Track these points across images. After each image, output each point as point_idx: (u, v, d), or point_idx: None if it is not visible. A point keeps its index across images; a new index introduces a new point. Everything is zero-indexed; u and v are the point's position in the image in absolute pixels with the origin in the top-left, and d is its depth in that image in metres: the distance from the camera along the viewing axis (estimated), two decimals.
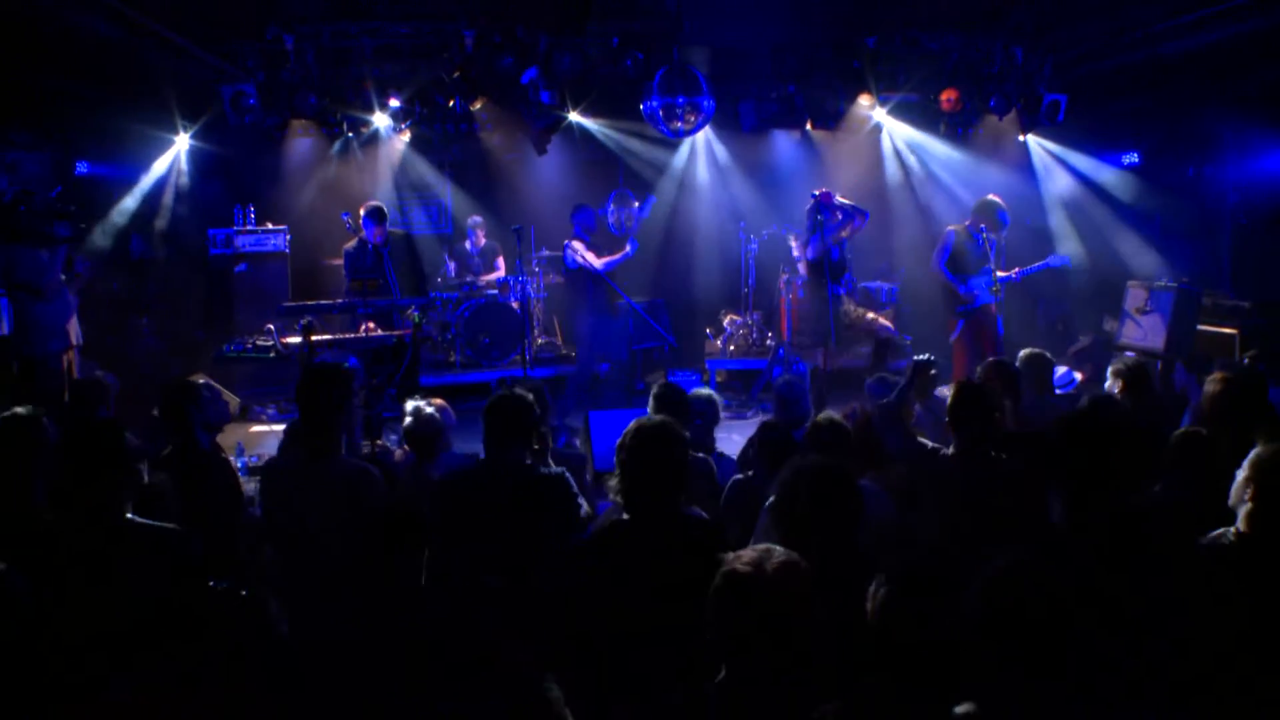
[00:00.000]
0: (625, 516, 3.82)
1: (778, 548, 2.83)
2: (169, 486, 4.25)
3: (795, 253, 10.90)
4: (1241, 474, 3.47)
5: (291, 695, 2.82)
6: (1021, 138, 12.19)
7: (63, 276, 8.27)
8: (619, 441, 3.92)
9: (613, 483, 3.97)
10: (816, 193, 9.35)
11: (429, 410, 5.40)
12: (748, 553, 2.80)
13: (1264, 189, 11.40)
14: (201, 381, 5.76)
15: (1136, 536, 3.46)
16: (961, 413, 4.73)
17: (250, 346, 8.05)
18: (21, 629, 2.92)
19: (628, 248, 10.11)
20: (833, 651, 2.81)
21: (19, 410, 4.30)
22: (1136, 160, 12.73)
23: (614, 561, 3.72)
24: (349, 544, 4.08)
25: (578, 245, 9.75)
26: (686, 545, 3.67)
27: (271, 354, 7.98)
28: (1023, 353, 6.85)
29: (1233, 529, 3.43)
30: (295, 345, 8.04)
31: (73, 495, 3.62)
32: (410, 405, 5.48)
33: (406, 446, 5.69)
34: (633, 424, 3.93)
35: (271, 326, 8.13)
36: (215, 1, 8.75)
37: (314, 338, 7.61)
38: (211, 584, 2.71)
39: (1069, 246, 12.44)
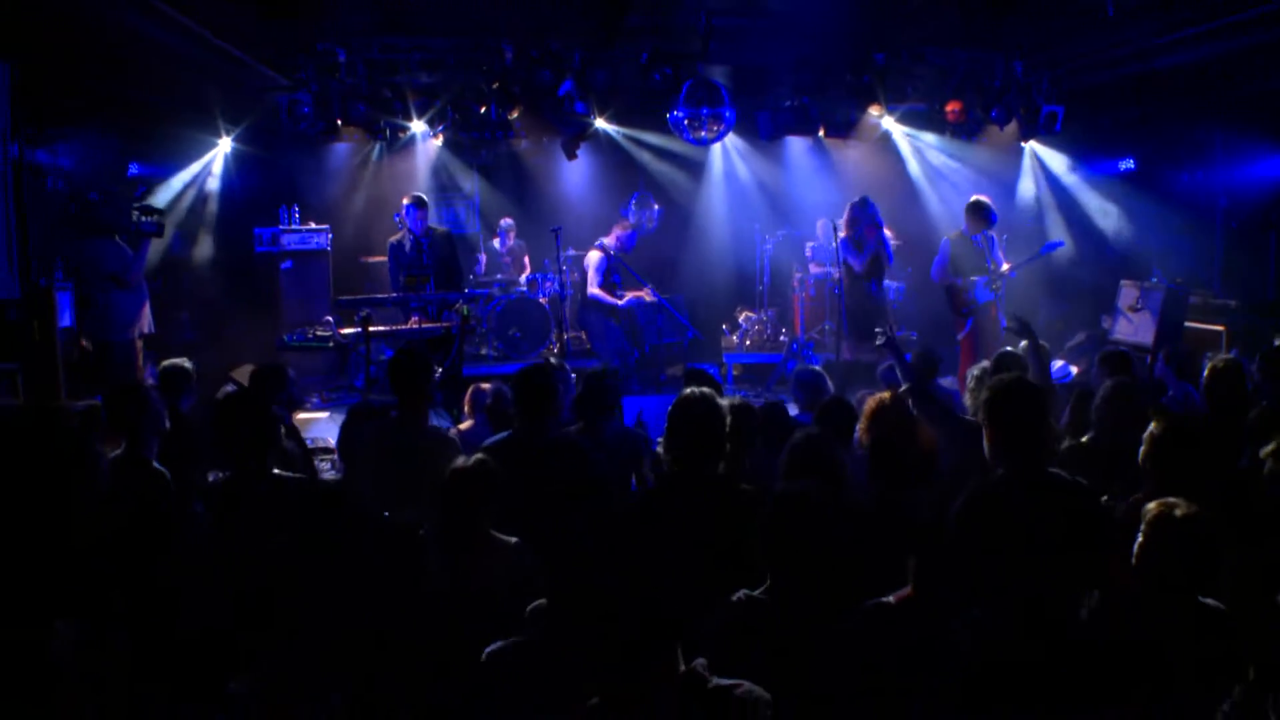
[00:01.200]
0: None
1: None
2: (298, 451, 5.07)
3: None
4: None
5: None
6: (1024, 144, 12.92)
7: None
8: (671, 410, 4.70)
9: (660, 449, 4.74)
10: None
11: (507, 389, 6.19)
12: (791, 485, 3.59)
13: (1252, 195, 11.87)
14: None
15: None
16: None
17: (311, 336, 8.87)
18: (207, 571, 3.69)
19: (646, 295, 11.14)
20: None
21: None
22: (1133, 166, 13.25)
23: (669, 509, 4.48)
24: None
25: (592, 259, 10.66)
26: (728, 496, 4.44)
27: (330, 343, 8.81)
28: (1022, 343, 7.64)
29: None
30: (351, 335, 8.86)
31: (230, 456, 4.42)
32: (489, 386, 6.30)
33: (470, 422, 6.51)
34: (683, 394, 4.71)
35: (330, 318, 8.95)
36: (272, 17, 9.50)
37: (370, 328, 8.43)
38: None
39: (1067, 247, 13.27)
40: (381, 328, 8.83)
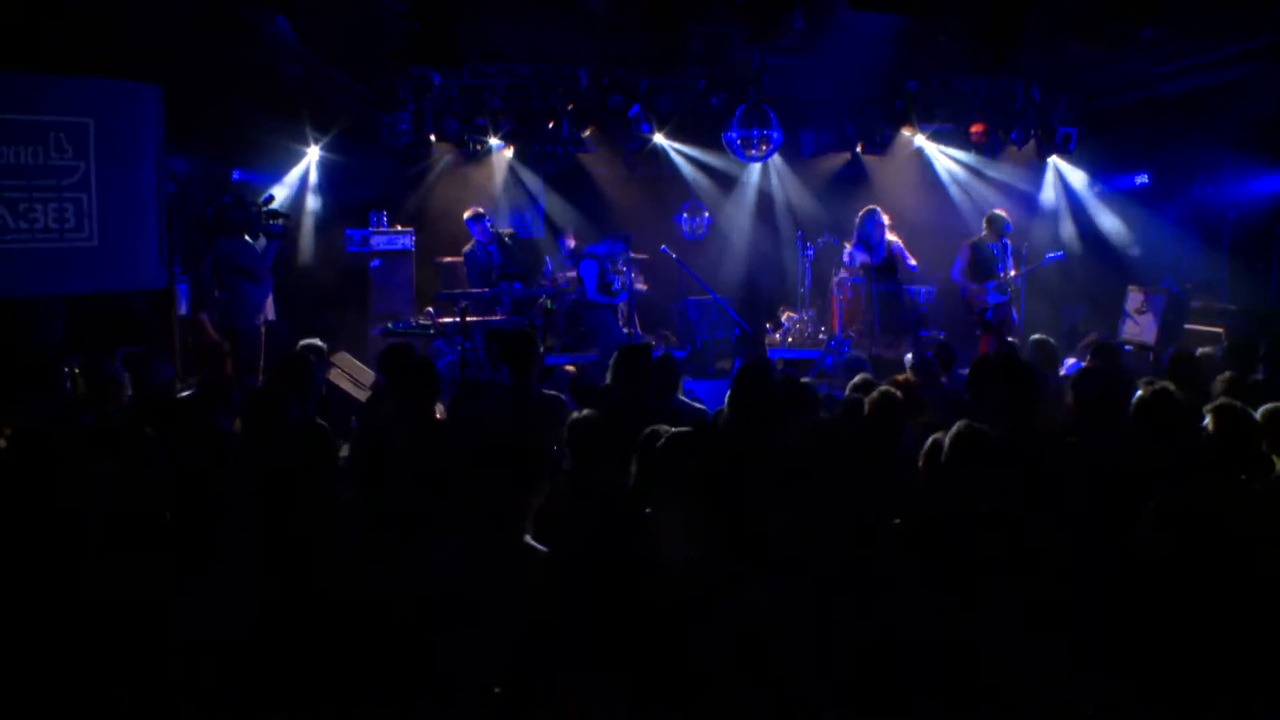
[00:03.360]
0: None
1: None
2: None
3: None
4: None
5: None
6: (1046, 159, 14.26)
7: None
8: (735, 376, 6.17)
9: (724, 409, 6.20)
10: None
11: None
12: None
13: (1258, 209, 13.04)
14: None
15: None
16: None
17: (414, 325, 10.43)
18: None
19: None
20: None
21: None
22: (1147, 180, 14.49)
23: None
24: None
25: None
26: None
27: (431, 331, 10.35)
28: (1032, 338, 9.07)
29: None
30: (449, 324, 10.41)
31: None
32: (571, 368, 7.80)
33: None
34: (744, 364, 6.20)
35: (430, 309, 10.51)
36: (375, 44, 10.99)
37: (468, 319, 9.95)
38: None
39: (1083, 255, 14.66)
40: (475, 318, 10.37)
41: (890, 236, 12.02)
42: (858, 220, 12.02)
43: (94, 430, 5.36)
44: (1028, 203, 15.02)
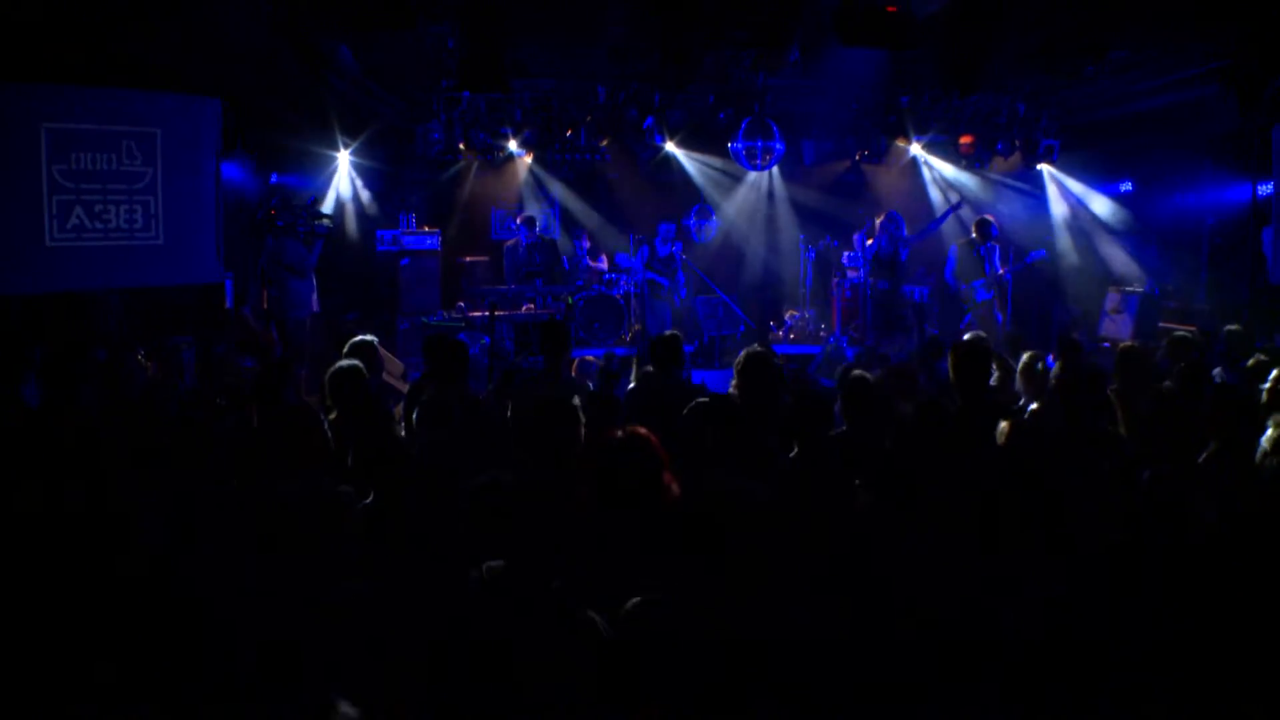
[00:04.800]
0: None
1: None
2: None
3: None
4: None
5: None
6: (1037, 166, 15.17)
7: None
8: (738, 362, 7.27)
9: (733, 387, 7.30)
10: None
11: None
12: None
13: (1232, 216, 13.88)
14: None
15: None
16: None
17: (447, 318, 11.56)
18: None
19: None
20: None
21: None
22: (1130, 188, 15.46)
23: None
24: None
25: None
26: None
27: (462, 324, 11.47)
28: (1004, 332, 10.18)
29: None
30: (478, 318, 11.52)
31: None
32: (591, 358, 8.91)
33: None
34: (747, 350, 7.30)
35: (461, 304, 11.64)
36: (420, 67, 11.97)
37: (496, 313, 11.08)
38: None
39: (1073, 258, 15.75)
40: (502, 312, 11.49)
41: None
42: (879, 220, 13.16)
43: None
44: (1022, 206, 16.11)
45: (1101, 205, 15.71)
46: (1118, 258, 15.43)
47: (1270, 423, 5.26)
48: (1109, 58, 9.88)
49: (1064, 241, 16.02)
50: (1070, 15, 7.90)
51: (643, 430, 4.27)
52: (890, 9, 7.31)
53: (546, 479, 4.49)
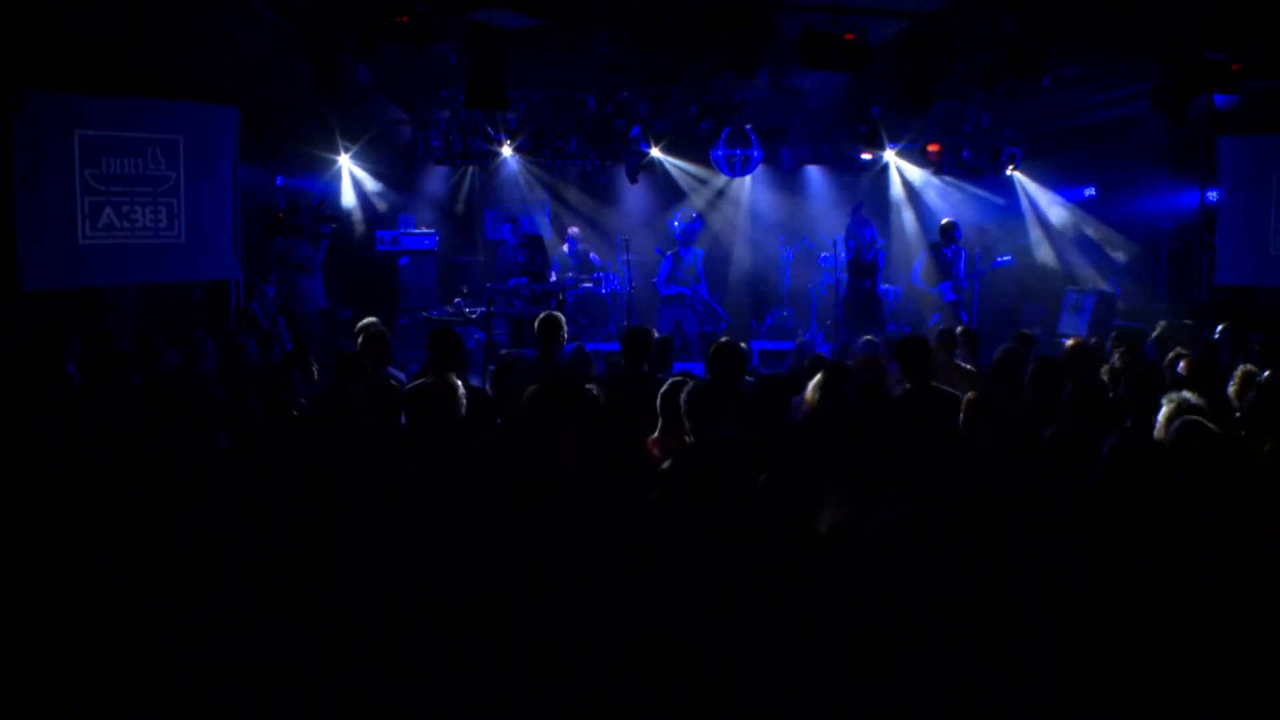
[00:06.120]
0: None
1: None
2: None
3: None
4: None
5: None
6: (1006, 173, 16.18)
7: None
8: (710, 353, 8.30)
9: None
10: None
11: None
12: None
13: (1189, 220, 14.95)
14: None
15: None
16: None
17: (445, 312, 12.58)
18: None
19: None
20: None
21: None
22: (1094, 194, 16.51)
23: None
24: None
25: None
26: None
27: (459, 319, 12.49)
28: (958, 329, 11.18)
29: None
30: (474, 313, 12.55)
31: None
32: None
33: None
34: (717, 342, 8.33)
35: (460, 300, 12.67)
36: (425, 80, 12.89)
37: (491, 308, 12.10)
38: None
39: (1041, 259, 16.83)
40: (496, 308, 12.53)
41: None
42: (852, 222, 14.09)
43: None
44: (992, 212, 17.20)
45: (1063, 211, 16.70)
46: (1080, 260, 16.46)
47: (1164, 400, 6.26)
48: (1060, 75, 10.95)
49: (1034, 243, 17.04)
50: (1006, 43, 8.97)
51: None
52: (848, 36, 8.34)
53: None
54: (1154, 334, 9.96)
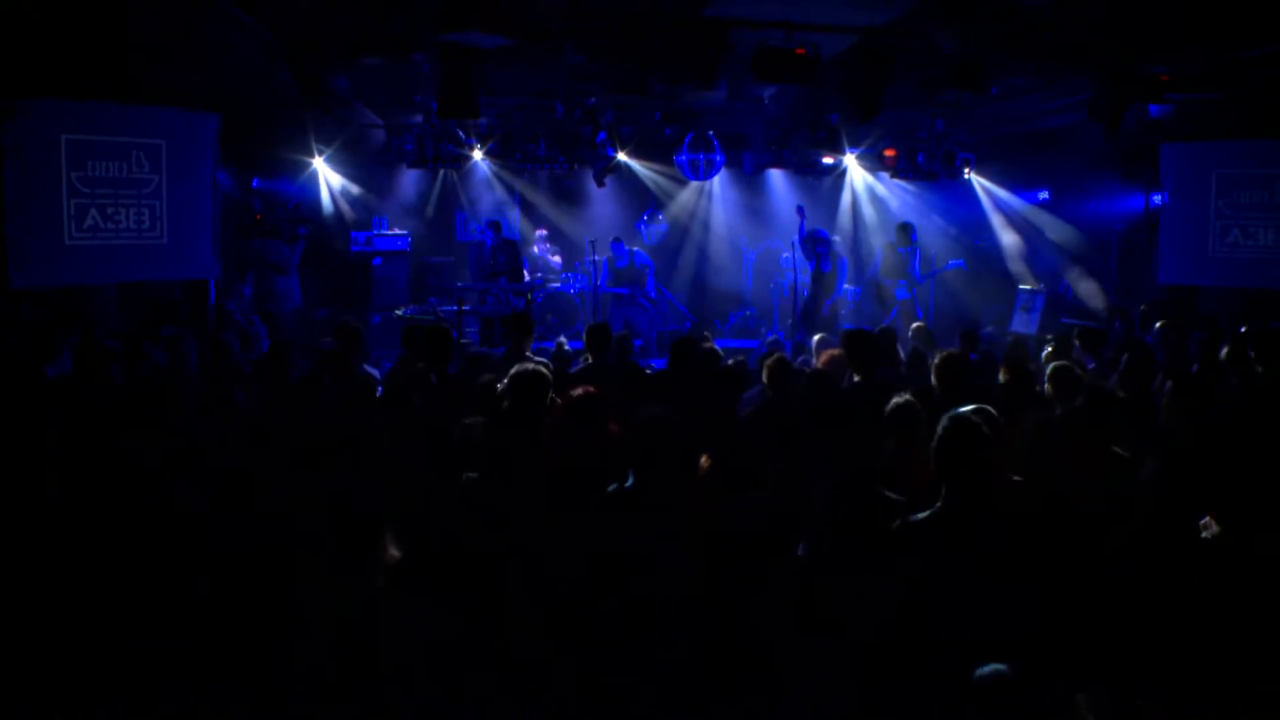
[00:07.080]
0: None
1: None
2: None
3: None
4: None
5: None
6: (965, 176, 16.72)
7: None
8: (674, 345, 8.93)
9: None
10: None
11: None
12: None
13: (1136, 223, 15.67)
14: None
15: None
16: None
17: (418, 311, 13.16)
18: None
19: None
20: None
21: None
22: (1048, 197, 17.20)
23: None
24: None
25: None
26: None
27: (431, 317, 13.07)
28: (914, 326, 11.84)
29: None
30: (447, 311, 13.13)
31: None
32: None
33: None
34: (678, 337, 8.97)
35: (432, 299, 13.25)
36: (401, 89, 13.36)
37: (464, 307, 12.68)
38: None
39: (996, 259, 17.52)
40: (467, 307, 13.12)
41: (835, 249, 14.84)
42: (807, 235, 14.69)
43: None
44: (948, 212, 17.91)
45: (1019, 213, 17.41)
46: (1039, 260, 17.14)
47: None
48: (1010, 84, 11.65)
49: (991, 245, 17.77)
50: (946, 58, 9.64)
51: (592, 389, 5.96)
52: (799, 51, 8.97)
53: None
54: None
